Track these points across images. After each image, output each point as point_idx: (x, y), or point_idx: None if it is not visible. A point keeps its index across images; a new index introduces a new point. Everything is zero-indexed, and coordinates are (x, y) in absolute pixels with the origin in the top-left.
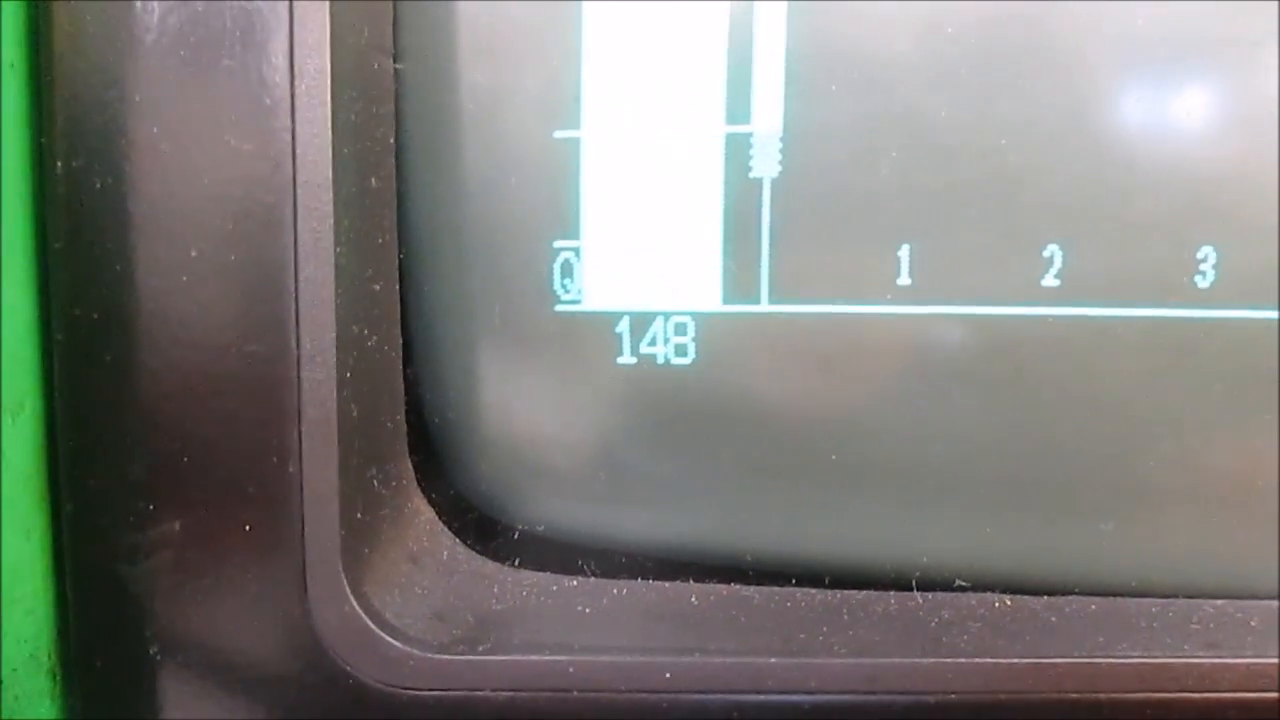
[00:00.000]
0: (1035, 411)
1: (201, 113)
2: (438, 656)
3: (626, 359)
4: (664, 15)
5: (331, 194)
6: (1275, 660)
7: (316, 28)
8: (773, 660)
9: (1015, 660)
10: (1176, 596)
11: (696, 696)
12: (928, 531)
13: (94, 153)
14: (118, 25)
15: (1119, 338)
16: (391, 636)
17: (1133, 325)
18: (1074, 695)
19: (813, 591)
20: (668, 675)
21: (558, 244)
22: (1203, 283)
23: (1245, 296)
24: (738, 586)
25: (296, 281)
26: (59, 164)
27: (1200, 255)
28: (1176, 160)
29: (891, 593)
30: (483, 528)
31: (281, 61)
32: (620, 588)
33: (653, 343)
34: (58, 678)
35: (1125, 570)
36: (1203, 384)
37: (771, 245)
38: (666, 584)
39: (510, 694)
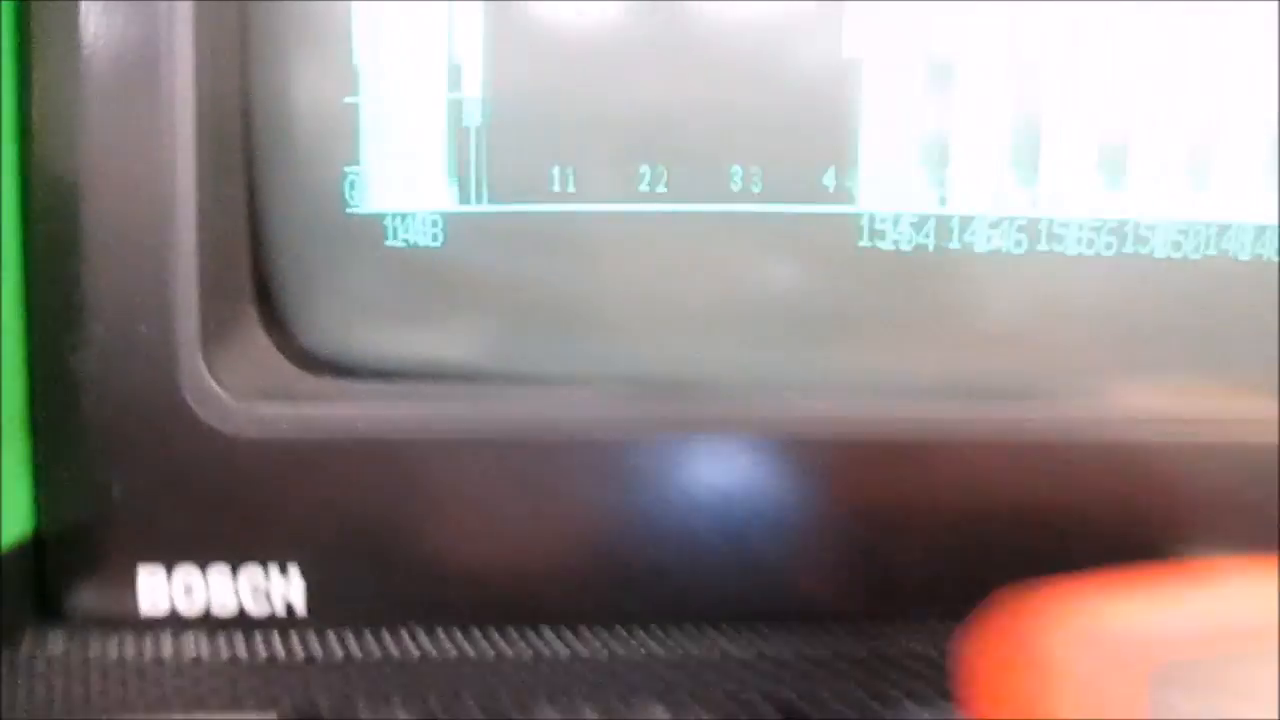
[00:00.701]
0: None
1: None
2: (264, 407)
3: (394, 243)
4: (412, 13)
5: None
6: None
7: None
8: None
9: None
10: None
11: None
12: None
13: None
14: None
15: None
16: (233, 397)
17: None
18: None
19: None
20: None
21: (346, 169)
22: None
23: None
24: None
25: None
26: None
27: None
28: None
29: None
30: (303, 356)
31: None
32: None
33: (409, 231)
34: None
35: None
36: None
37: (482, 166)
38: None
39: (323, 437)
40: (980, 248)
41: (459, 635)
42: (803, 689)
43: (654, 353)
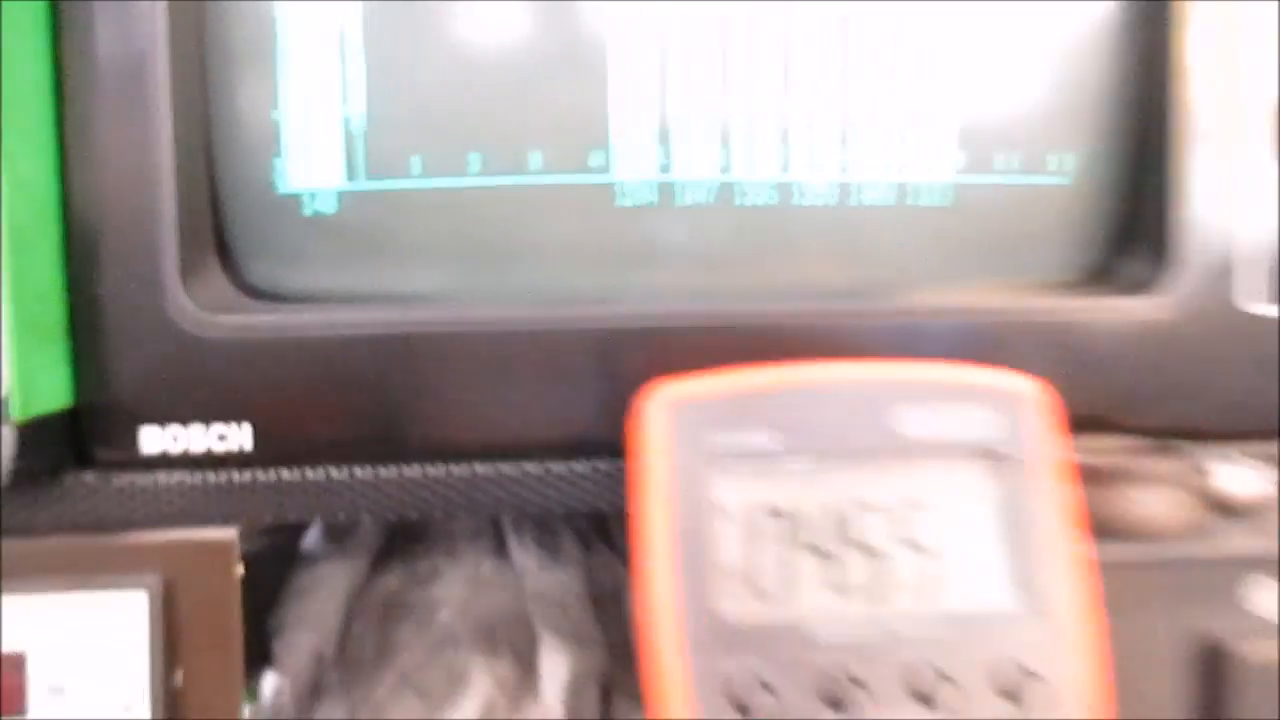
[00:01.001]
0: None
1: None
2: (222, 319)
3: (307, 211)
4: (315, 57)
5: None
6: None
7: None
8: None
9: None
10: None
11: None
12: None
13: None
14: None
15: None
16: (201, 312)
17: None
18: None
19: None
20: None
21: (274, 160)
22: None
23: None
24: None
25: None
26: None
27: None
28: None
29: None
30: (248, 287)
31: None
32: None
33: (316, 203)
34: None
35: None
36: None
37: (363, 158)
38: None
39: (261, 339)
40: (687, 202)
41: (363, 468)
42: None
43: (476, 276)
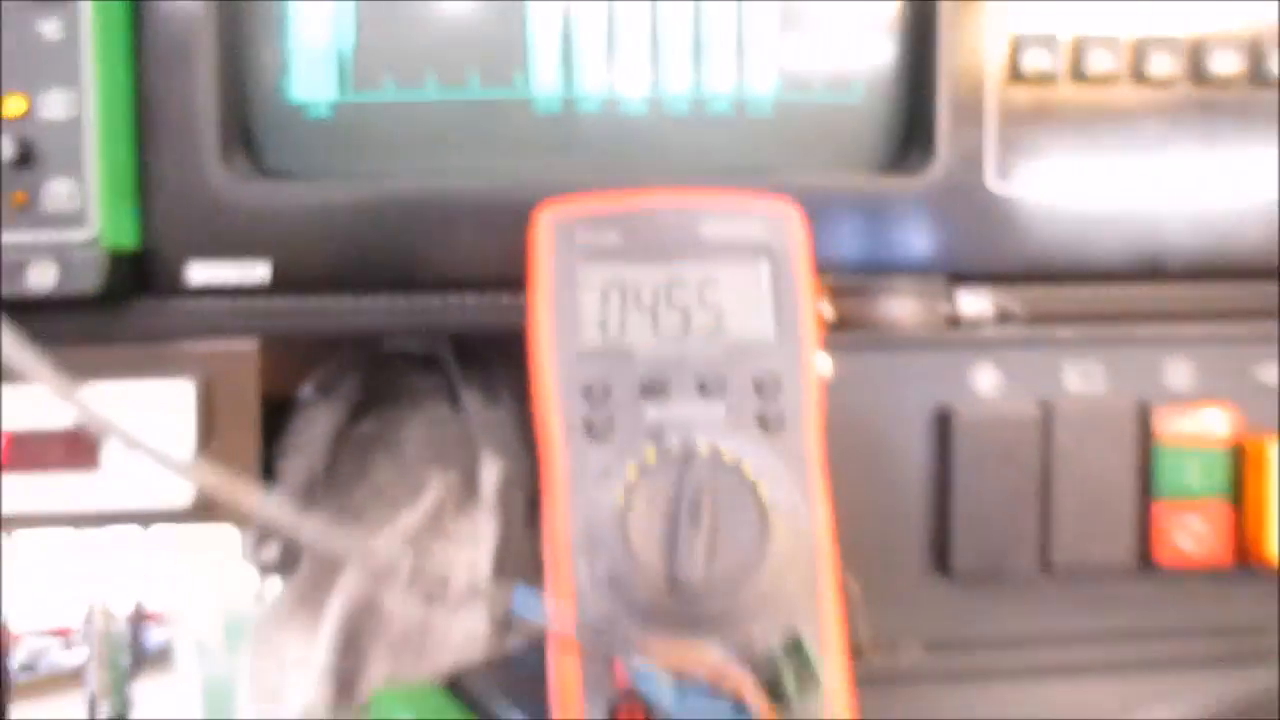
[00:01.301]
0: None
1: None
2: (245, 187)
3: (310, 117)
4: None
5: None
6: None
7: None
8: None
9: None
10: None
11: None
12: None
13: None
14: None
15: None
16: (231, 181)
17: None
18: None
19: None
20: None
21: (282, 78)
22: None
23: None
24: None
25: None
26: None
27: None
28: None
29: None
30: (266, 169)
31: None
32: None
33: (315, 108)
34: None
35: None
36: None
37: (353, 77)
38: None
39: (273, 205)
40: (582, 112)
41: (348, 296)
42: None
43: (433, 163)
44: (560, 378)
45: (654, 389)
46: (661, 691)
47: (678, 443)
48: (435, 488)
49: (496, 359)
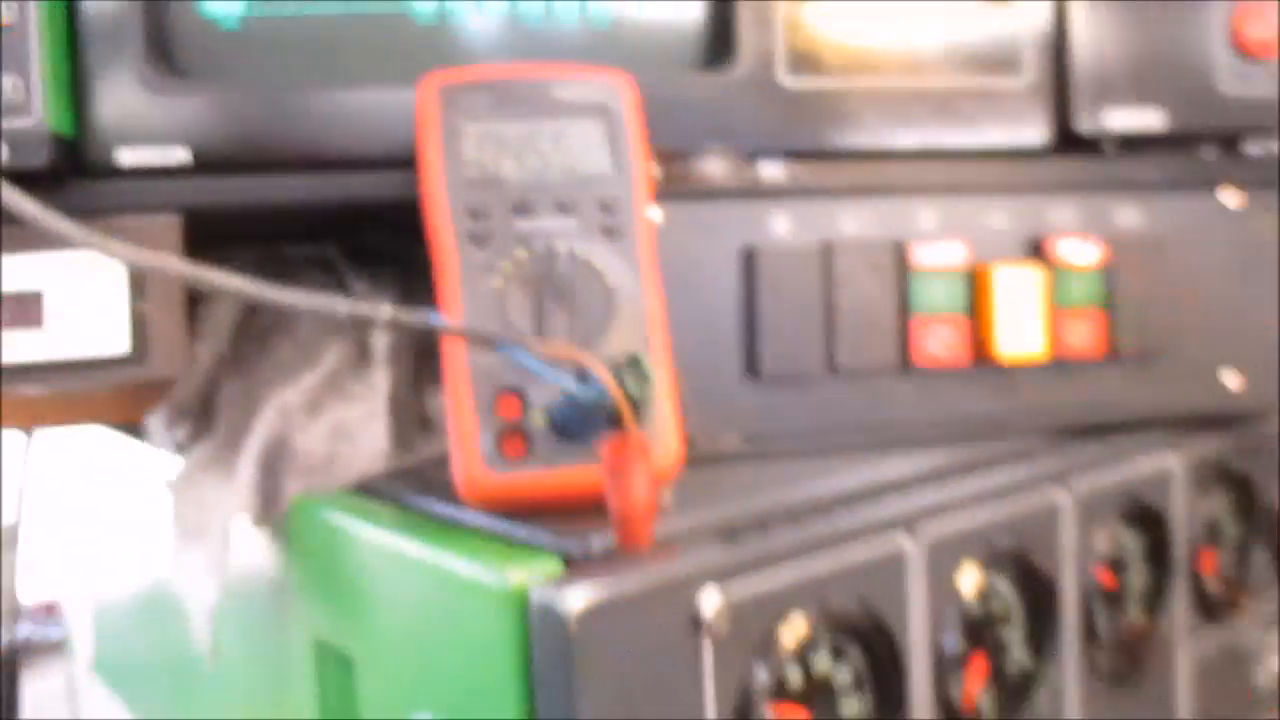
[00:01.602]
0: None
1: None
2: (175, 82)
3: (221, 28)
4: None
5: None
6: None
7: None
8: None
9: None
10: None
11: None
12: None
13: None
14: None
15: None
16: (155, 75)
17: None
18: None
19: None
20: None
21: None
22: None
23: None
24: None
25: None
26: None
27: None
28: None
29: None
30: (183, 72)
31: None
32: None
33: (226, 20)
34: None
35: None
36: None
37: None
38: None
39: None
40: (455, 23)
41: (254, 177)
42: None
43: (330, 66)
44: (449, 200)
45: (522, 208)
46: (536, 366)
47: (542, 245)
48: (330, 357)
49: (384, 262)
